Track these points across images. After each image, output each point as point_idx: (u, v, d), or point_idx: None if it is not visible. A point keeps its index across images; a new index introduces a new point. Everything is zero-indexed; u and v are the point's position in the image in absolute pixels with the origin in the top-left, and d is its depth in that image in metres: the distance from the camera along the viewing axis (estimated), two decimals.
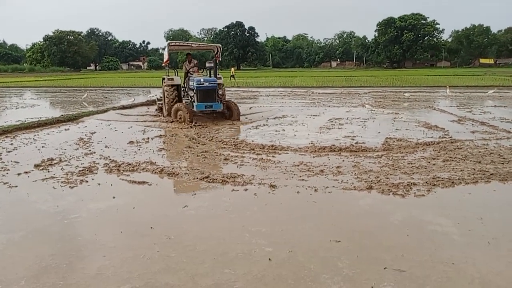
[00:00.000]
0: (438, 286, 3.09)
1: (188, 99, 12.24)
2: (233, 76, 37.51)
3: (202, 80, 11.24)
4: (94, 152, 7.72)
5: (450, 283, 3.13)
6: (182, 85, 12.42)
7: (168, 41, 12.23)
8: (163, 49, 14.15)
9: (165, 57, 12.49)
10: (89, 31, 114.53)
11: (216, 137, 9.05)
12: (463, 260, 3.48)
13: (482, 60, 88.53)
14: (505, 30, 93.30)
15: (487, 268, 3.37)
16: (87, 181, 5.90)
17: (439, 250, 3.70)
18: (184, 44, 13.24)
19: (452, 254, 3.60)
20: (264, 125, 11.02)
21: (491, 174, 5.93)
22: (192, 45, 13.97)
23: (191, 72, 12.59)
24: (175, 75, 12.81)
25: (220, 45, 13.22)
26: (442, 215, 4.53)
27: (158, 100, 13.76)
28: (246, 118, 12.38)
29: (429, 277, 3.22)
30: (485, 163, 6.57)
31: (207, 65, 12.76)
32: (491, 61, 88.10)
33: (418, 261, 3.48)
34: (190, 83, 11.82)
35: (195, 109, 11.41)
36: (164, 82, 12.18)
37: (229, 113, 11.92)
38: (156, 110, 13.73)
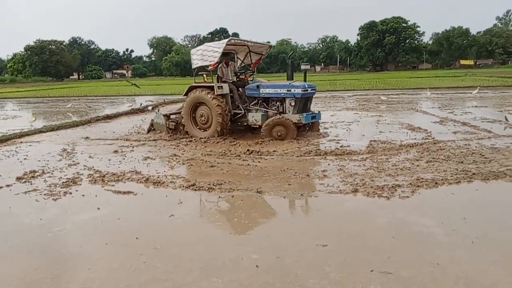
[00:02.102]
0: (424, 287, 3.12)
1: (241, 111, 9.80)
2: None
3: (306, 85, 9.36)
4: (78, 163, 7.62)
5: (435, 284, 3.17)
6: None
7: (230, 38, 9.89)
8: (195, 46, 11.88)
9: (213, 59, 9.45)
10: (71, 40, 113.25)
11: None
12: (448, 260, 3.53)
13: (462, 62, 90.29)
14: (484, 31, 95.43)
15: (471, 267, 3.42)
16: (71, 193, 5.81)
17: (425, 250, 3.75)
18: (242, 42, 10.42)
19: (437, 254, 3.65)
20: None
21: (474, 174, 6.03)
22: (249, 43, 10.56)
23: (228, 78, 10.35)
24: (217, 81, 10.13)
25: (271, 44, 11.55)
26: (426, 216, 4.59)
27: (168, 118, 10.65)
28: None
29: (415, 278, 3.25)
30: (467, 163, 6.68)
31: (302, 67, 10.95)
32: (471, 62, 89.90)
33: (404, 263, 3.51)
34: (261, 90, 9.58)
35: (303, 121, 9.30)
36: (202, 91, 9.67)
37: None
38: (150, 130, 10.97)
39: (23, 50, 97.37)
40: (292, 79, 9.86)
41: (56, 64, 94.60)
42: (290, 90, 9.26)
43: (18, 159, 8.16)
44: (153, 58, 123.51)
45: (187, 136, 10.00)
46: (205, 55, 9.69)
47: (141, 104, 18.62)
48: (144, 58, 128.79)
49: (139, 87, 11.88)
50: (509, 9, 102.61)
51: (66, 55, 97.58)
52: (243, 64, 11.23)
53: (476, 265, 3.46)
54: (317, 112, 10.07)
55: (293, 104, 9.26)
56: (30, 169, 7.13)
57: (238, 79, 10.46)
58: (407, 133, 9.92)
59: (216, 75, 10.08)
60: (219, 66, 10.16)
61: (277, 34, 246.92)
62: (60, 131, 11.95)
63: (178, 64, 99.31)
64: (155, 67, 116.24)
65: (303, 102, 9.42)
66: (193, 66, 10.13)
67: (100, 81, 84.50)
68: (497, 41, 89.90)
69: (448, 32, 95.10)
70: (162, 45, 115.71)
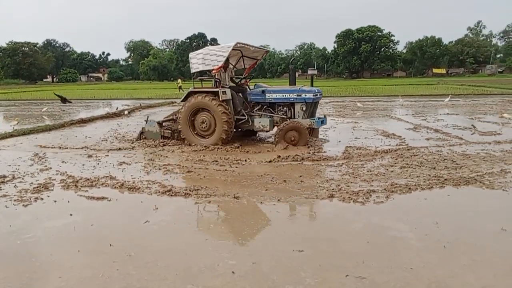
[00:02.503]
0: None
1: (244, 117, 9.54)
2: (180, 87, 37.72)
3: (316, 90, 9.41)
4: (50, 168, 7.43)
5: None
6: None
7: (236, 42, 9.33)
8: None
9: (217, 63, 9.13)
10: (45, 42, 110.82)
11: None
12: (420, 265, 3.60)
13: (435, 70, 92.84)
14: (456, 41, 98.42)
15: (443, 271, 3.50)
16: (42, 199, 5.66)
17: (398, 255, 3.81)
18: (244, 46, 9.84)
19: (410, 259, 3.72)
20: None
21: (445, 179, 6.19)
22: (250, 47, 10.09)
23: (225, 84, 9.91)
24: (216, 87, 9.48)
25: (268, 49, 11.32)
26: (400, 221, 4.67)
27: (160, 125, 10.40)
28: None
29: (389, 282, 3.30)
30: (440, 169, 6.85)
31: (309, 72, 11.13)
32: (443, 71, 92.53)
33: (378, 267, 3.56)
34: (268, 95, 9.49)
35: (315, 126, 9.40)
36: (205, 97, 9.26)
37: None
38: (139, 138, 10.43)
39: None
40: (295, 84, 9.78)
41: (29, 67, 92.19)
42: (300, 95, 9.24)
43: None
44: (130, 62, 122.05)
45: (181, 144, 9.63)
46: (207, 59, 9.36)
47: (117, 108, 18.30)
48: (121, 62, 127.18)
49: (69, 102, 10.63)
50: (480, 20, 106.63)
51: (40, 58, 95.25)
52: (235, 69, 10.97)
53: (447, 269, 3.54)
54: (323, 116, 10.02)
55: (304, 109, 9.26)
56: (0, 174, 6.90)
57: (237, 84, 10.25)
58: (381, 139, 10.10)
59: (215, 80, 9.61)
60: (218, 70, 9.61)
61: (255, 40, 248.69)
62: (32, 135, 11.63)
63: (156, 68, 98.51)
64: (132, 71, 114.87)
65: (312, 107, 9.49)
66: (193, 71, 9.70)
67: (75, 84, 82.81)
68: (468, 50, 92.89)
69: (422, 41, 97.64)
70: (140, 49, 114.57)
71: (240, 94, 10.09)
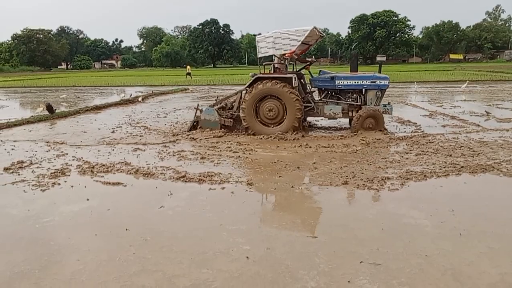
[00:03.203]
0: (412, 278, 3.16)
1: (310, 104, 9.28)
2: (189, 73, 37.64)
3: (388, 77, 9.27)
4: (67, 154, 7.54)
5: (423, 275, 3.21)
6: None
7: (313, 26, 8.74)
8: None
9: (291, 47, 8.75)
10: (59, 29, 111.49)
11: None
12: (435, 252, 3.57)
13: (452, 56, 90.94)
14: (473, 26, 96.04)
15: (458, 259, 3.47)
16: (59, 184, 5.75)
17: (413, 242, 3.79)
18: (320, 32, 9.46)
19: (425, 246, 3.69)
20: None
21: (462, 167, 6.10)
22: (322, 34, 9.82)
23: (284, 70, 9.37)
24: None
25: (323, 35, 10.41)
26: (415, 208, 4.63)
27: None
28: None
29: (403, 269, 3.29)
30: (456, 156, 6.75)
31: (378, 58, 10.81)
32: (461, 57, 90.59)
33: (393, 254, 3.55)
34: (337, 81, 9.13)
35: (390, 112, 9.35)
36: (275, 83, 8.72)
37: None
38: (193, 128, 9.65)
39: (10, 39, 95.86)
40: (357, 71, 9.47)
41: (43, 54, 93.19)
42: (375, 82, 9.06)
43: (5, 149, 8.04)
44: (143, 49, 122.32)
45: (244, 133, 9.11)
46: (278, 43, 8.85)
47: (131, 95, 18.42)
48: (134, 49, 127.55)
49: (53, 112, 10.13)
50: (499, 4, 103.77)
51: (54, 45, 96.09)
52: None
53: (463, 256, 3.51)
54: (387, 103, 9.66)
55: (379, 95, 9.14)
56: (18, 159, 7.03)
57: (298, 70, 9.75)
58: (397, 126, 9.99)
59: (275, 66, 9.25)
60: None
61: (267, 26, 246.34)
62: (48, 121, 11.80)
63: (168, 55, 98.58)
64: (145, 58, 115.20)
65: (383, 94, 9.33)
66: (260, 55, 9.15)
67: (89, 71, 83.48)
68: (486, 35, 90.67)
69: (438, 26, 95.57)
70: (152, 36, 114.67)
71: (302, 80, 9.70)
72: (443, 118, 11.07)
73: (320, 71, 9.86)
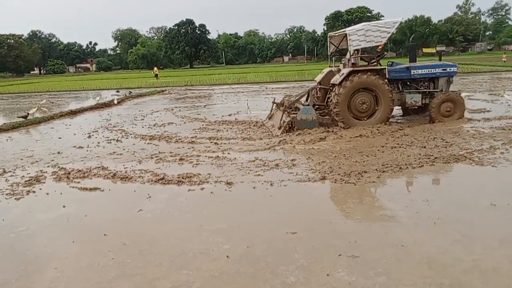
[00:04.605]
0: (389, 269, 3.23)
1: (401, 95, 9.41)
2: (156, 75, 37.80)
3: (456, 64, 9.55)
4: (41, 160, 7.38)
5: (399, 265, 3.29)
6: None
7: (402, 17, 9.08)
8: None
9: (381, 39, 8.91)
10: (31, 33, 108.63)
11: None
12: (411, 242, 3.66)
13: (425, 50, 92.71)
14: (445, 19, 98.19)
15: (433, 247, 3.56)
16: (34, 192, 5.64)
17: (389, 233, 3.87)
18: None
19: (401, 236, 3.78)
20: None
21: (436, 158, 6.25)
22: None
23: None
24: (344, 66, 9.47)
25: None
26: (391, 200, 4.74)
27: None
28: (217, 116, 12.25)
29: (380, 260, 3.36)
30: (430, 147, 6.92)
31: (438, 48, 11.17)
32: (433, 50, 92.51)
33: (370, 246, 3.62)
34: (413, 71, 9.27)
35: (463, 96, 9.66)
36: (371, 76, 8.83)
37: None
38: (286, 131, 8.86)
39: None
40: (415, 61, 9.74)
41: (15, 59, 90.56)
42: (445, 69, 9.42)
43: None
44: (118, 51, 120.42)
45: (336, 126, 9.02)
46: (369, 36, 8.89)
47: (114, 99, 18.11)
48: (109, 51, 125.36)
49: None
50: None
51: (26, 49, 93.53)
52: (336, 49, 10.42)
53: (438, 245, 3.60)
54: (457, 91, 9.94)
55: (450, 81, 9.51)
56: None
57: (370, 62, 9.56)
58: None
59: (351, 60, 9.26)
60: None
61: (244, 25, 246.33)
62: (22, 128, 11.52)
63: (145, 57, 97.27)
64: (121, 60, 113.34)
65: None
66: (353, 48, 9.05)
67: (63, 75, 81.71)
68: (458, 29, 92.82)
69: (411, 21, 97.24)
70: (127, 38, 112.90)
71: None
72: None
73: (392, 62, 9.99)
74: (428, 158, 6.24)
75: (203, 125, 10.74)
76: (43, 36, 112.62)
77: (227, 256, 3.56)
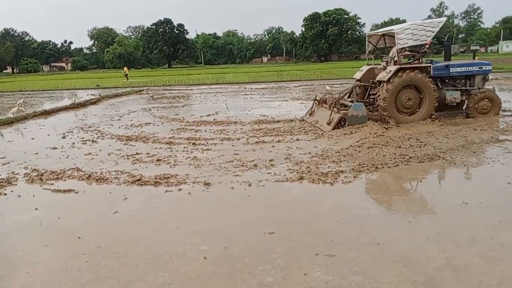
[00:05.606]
0: (365, 267, 3.27)
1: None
2: (126, 75, 37.57)
3: (490, 62, 9.74)
4: (12, 161, 7.17)
5: (375, 263, 3.33)
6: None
7: (446, 17, 9.41)
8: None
9: (426, 38, 9.23)
10: (3, 31, 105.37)
11: None
12: (386, 240, 3.72)
13: None
14: None
15: (407, 245, 3.63)
16: (5, 194, 5.48)
17: (365, 232, 3.92)
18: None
19: (376, 235, 3.83)
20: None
21: (410, 157, 6.38)
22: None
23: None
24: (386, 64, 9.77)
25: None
26: (367, 199, 4.81)
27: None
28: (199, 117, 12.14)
29: (357, 259, 3.40)
30: (405, 147, 7.05)
31: (472, 47, 11.25)
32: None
33: (347, 245, 3.66)
34: (452, 69, 9.49)
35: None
36: (417, 73, 9.06)
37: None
38: (337, 127, 9.07)
39: None
40: (450, 60, 9.93)
41: None
42: (481, 67, 9.66)
43: None
44: (94, 50, 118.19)
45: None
46: (415, 34, 9.19)
47: (81, 98, 17.78)
48: (85, 50, 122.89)
49: None
50: (442, 1, 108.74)
51: None
52: (373, 48, 10.83)
53: (412, 243, 3.67)
54: (492, 87, 10.11)
55: (486, 79, 9.75)
56: None
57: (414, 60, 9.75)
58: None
59: (393, 58, 9.61)
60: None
61: (223, 25, 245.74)
62: None
63: (121, 56, 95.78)
64: (97, 60, 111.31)
65: None
66: (400, 46, 9.31)
67: (36, 75, 79.65)
68: None
69: (387, 23, 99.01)
70: (104, 37, 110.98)
71: None
72: None
73: (431, 60, 10.09)
74: (403, 158, 6.35)
75: (181, 125, 10.65)
76: (16, 34, 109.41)
77: (205, 258, 3.54)
